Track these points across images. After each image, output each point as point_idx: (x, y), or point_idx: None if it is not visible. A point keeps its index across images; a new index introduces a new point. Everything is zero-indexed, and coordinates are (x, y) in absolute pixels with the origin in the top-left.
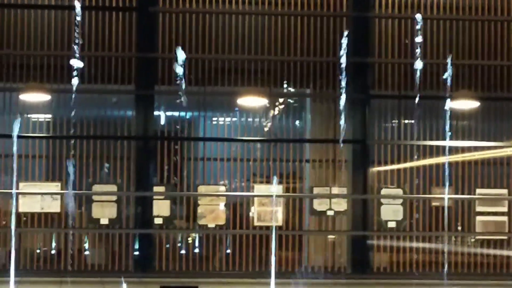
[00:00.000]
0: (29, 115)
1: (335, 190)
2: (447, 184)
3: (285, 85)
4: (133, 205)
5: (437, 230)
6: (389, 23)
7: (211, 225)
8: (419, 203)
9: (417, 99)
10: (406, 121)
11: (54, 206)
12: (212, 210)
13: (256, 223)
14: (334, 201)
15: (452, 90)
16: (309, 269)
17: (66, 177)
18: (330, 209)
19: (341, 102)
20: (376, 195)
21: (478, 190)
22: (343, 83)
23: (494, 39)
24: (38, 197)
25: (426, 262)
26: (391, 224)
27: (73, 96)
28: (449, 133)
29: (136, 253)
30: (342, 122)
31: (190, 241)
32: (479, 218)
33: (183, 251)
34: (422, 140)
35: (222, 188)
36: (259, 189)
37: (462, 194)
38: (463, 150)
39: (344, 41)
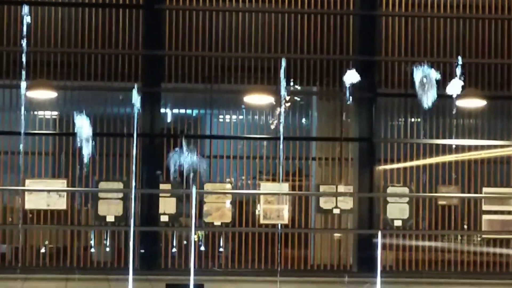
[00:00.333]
0: (35, 112)
1: (342, 188)
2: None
3: (291, 83)
4: (139, 203)
5: (443, 228)
6: (396, 21)
7: (217, 222)
8: (425, 201)
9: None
10: (413, 120)
11: (60, 203)
12: (218, 208)
13: (262, 221)
14: (340, 199)
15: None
16: (315, 267)
17: (72, 174)
18: (336, 207)
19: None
20: (382, 193)
21: (484, 189)
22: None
23: (501, 38)
24: (44, 194)
25: (432, 260)
26: (397, 223)
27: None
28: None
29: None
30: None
31: (196, 239)
32: (485, 216)
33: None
34: (428, 139)
35: (228, 186)
36: (265, 187)
37: (469, 192)
38: (470, 148)
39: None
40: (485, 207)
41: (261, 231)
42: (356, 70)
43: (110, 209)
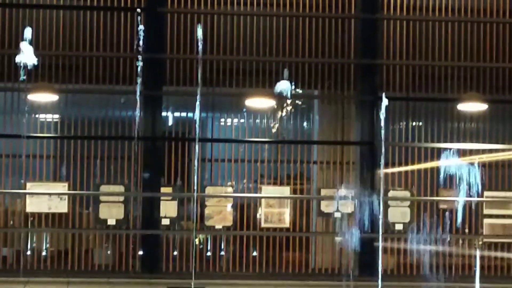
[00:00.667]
0: (37, 115)
1: (343, 191)
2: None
3: (293, 87)
4: (141, 206)
5: (444, 232)
6: (397, 24)
7: (218, 226)
8: (426, 205)
9: None
10: (414, 123)
11: (61, 206)
12: (220, 211)
13: (263, 225)
14: (341, 203)
15: (460, 92)
16: (316, 271)
17: (73, 177)
18: (337, 210)
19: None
20: (383, 197)
21: (486, 193)
22: None
23: (503, 41)
24: (46, 197)
25: (433, 264)
26: (399, 226)
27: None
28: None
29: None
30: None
31: (197, 242)
32: (487, 220)
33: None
34: (430, 142)
35: (230, 189)
36: (267, 190)
37: (470, 196)
38: (471, 152)
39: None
40: (486, 211)
41: (262, 235)
42: (358, 74)
43: (111, 212)
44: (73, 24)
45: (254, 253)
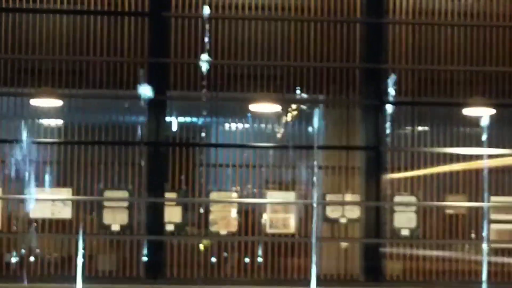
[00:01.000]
0: (40, 120)
1: (348, 197)
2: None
3: (298, 91)
4: (145, 212)
5: (451, 238)
6: (403, 29)
7: (223, 231)
8: (432, 210)
9: None
10: (420, 128)
11: (65, 212)
12: (224, 217)
13: (268, 230)
14: (347, 208)
15: (467, 96)
16: (321, 277)
17: (77, 182)
18: (343, 216)
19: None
20: (389, 202)
21: (492, 198)
22: None
23: (510, 46)
24: (49, 202)
25: (439, 270)
26: (405, 232)
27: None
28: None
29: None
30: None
31: (201, 248)
32: (493, 226)
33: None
34: (436, 147)
35: (234, 195)
36: (272, 195)
37: (477, 201)
38: (477, 157)
39: None
40: (493, 216)
41: (267, 240)
42: (363, 78)
43: (115, 218)
44: (76, 29)
45: (259, 259)
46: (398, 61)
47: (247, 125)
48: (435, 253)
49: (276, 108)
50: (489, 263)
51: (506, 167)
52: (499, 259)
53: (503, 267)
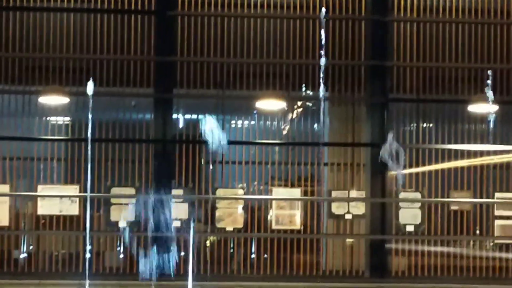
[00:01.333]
0: (48, 118)
1: (354, 193)
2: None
3: (303, 89)
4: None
5: (455, 234)
6: (408, 26)
7: (229, 228)
8: (437, 206)
9: None
10: (425, 125)
11: (72, 209)
12: (230, 213)
13: (274, 227)
14: (352, 205)
15: (471, 93)
16: (327, 273)
17: (84, 179)
18: (348, 212)
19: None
20: (394, 199)
21: (497, 194)
22: None
23: None
24: (57, 199)
25: (444, 266)
26: (410, 228)
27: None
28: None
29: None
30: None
31: (208, 245)
32: (498, 222)
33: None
34: (440, 144)
35: (241, 191)
36: (278, 192)
37: (481, 198)
38: (482, 153)
39: None
40: (497, 212)
41: (273, 237)
42: (368, 75)
43: (122, 215)
44: (83, 27)
45: (265, 255)
46: (403, 58)
47: (253, 123)
48: (439, 249)
49: (282, 105)
50: (493, 259)
51: (510, 164)
52: (504, 255)
53: (507, 262)
